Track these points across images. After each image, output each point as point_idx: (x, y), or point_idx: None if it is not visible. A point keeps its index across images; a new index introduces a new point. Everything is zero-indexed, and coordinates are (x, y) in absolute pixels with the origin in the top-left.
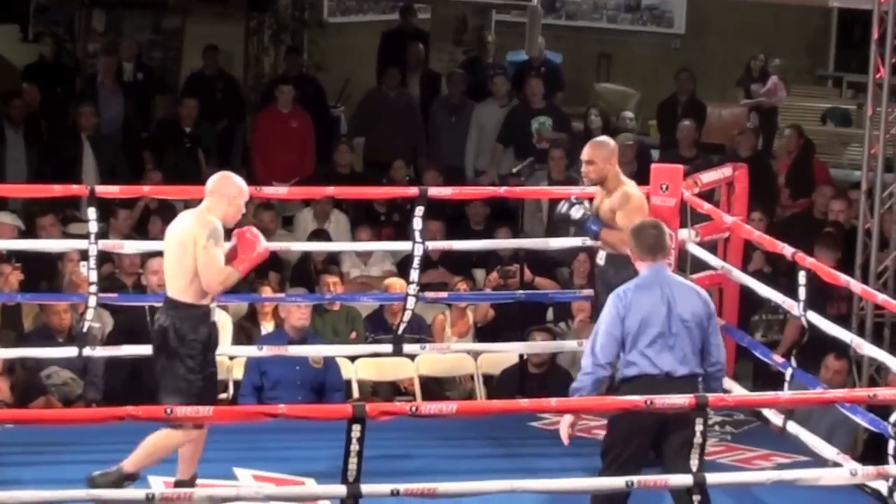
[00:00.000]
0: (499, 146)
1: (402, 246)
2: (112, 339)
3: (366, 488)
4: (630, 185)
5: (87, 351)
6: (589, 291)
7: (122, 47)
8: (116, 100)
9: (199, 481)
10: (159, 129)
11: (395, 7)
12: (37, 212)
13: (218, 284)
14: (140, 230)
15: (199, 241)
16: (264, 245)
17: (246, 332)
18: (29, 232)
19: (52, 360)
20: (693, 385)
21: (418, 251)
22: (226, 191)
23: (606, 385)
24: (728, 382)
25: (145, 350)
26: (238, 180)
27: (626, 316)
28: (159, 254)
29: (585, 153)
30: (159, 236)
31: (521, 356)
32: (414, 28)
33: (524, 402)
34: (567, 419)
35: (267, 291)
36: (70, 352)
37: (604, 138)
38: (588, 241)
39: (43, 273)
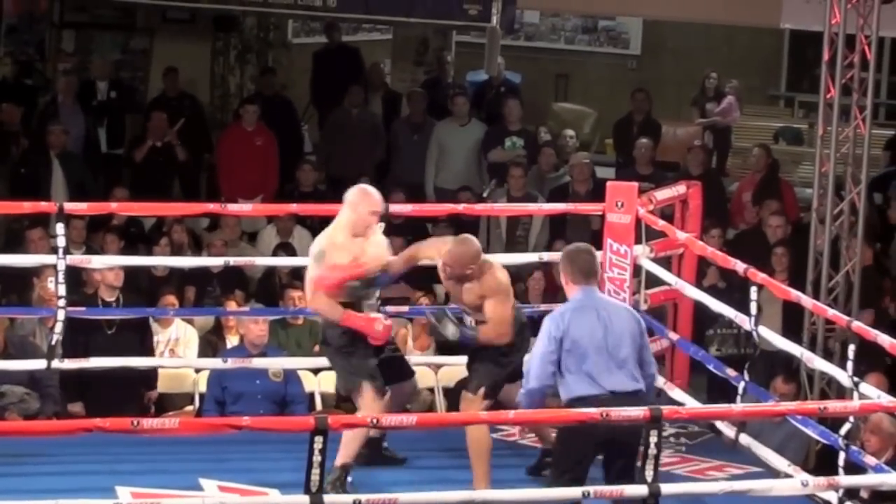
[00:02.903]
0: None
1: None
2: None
3: (328, 499)
4: (495, 268)
5: (55, 363)
6: (549, 307)
7: (95, 67)
8: (77, 119)
9: (164, 492)
10: (130, 147)
11: (357, 28)
12: (25, 226)
13: (312, 303)
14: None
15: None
16: (378, 331)
17: (212, 345)
18: (7, 246)
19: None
20: (638, 401)
21: None
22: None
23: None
24: (682, 395)
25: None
26: (357, 193)
27: (564, 338)
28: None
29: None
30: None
31: None
32: (339, 44)
33: (483, 415)
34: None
35: (232, 306)
36: (39, 364)
37: (463, 243)
38: (545, 258)
39: (14, 287)
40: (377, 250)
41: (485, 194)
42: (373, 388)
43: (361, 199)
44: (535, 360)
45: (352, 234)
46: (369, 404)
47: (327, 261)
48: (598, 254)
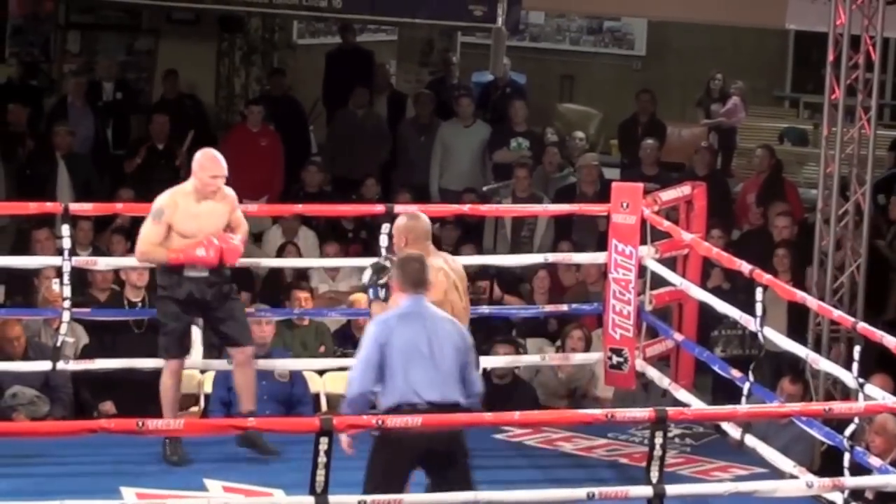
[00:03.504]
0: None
1: (368, 263)
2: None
3: (333, 499)
4: (435, 264)
5: (60, 365)
6: (554, 307)
7: (101, 67)
8: (87, 120)
9: (168, 492)
10: (132, 148)
11: (362, 29)
12: (32, 226)
13: (139, 253)
14: None
15: None
16: (210, 256)
17: (217, 347)
18: (16, 249)
19: (16, 378)
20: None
21: None
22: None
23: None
24: (687, 396)
25: (117, 364)
26: (199, 157)
27: (387, 343)
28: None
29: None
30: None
31: (483, 369)
32: (354, 46)
33: (488, 416)
34: (345, 438)
35: None
36: (44, 366)
37: (411, 217)
38: (549, 258)
39: (19, 289)
40: (215, 219)
41: (485, 187)
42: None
43: (202, 164)
44: (358, 366)
45: (196, 200)
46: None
47: (164, 219)
48: (441, 263)
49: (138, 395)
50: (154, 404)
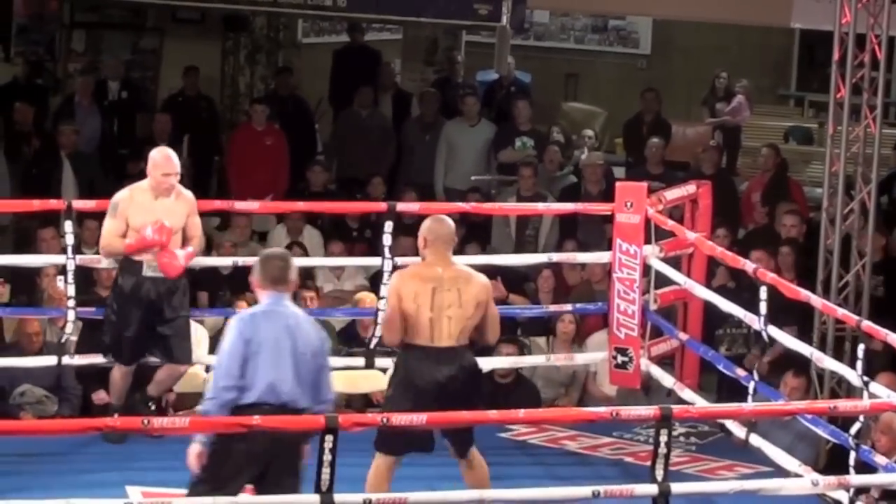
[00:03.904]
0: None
1: (371, 262)
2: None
3: (339, 498)
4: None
5: (65, 360)
6: (558, 307)
7: (107, 66)
8: (93, 119)
9: (174, 491)
10: (137, 148)
11: (367, 28)
12: (35, 226)
13: (101, 248)
14: None
15: None
16: (157, 238)
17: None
18: (18, 247)
19: (26, 376)
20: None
21: (388, 266)
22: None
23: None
24: (692, 395)
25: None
26: (153, 154)
27: (251, 340)
28: None
29: None
30: None
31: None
32: (361, 45)
33: (493, 414)
34: (195, 449)
35: (243, 307)
36: (49, 360)
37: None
38: (554, 258)
39: (23, 288)
40: (171, 217)
41: (473, 177)
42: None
43: (155, 162)
44: (223, 360)
45: (153, 196)
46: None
47: (119, 213)
48: (307, 260)
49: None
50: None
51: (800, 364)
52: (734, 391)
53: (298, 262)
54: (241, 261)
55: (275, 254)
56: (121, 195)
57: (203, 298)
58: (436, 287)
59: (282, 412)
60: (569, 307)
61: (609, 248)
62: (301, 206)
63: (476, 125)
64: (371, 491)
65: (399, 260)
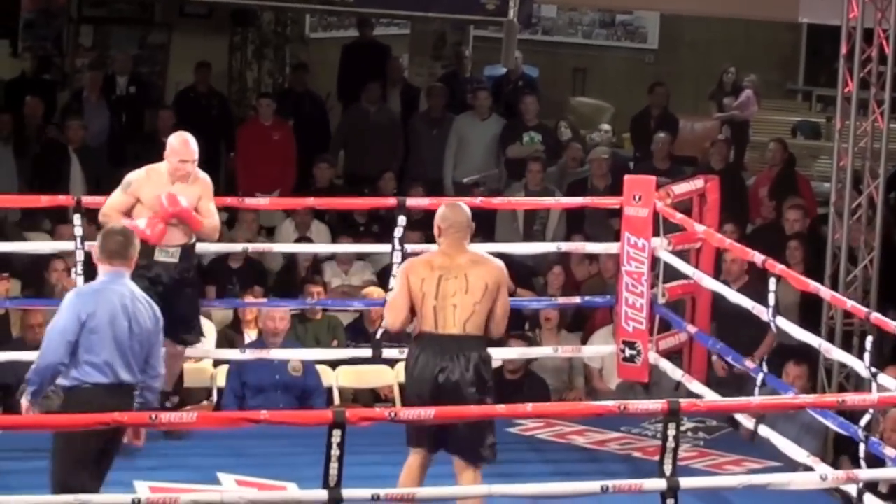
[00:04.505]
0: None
1: (381, 249)
2: None
3: (346, 493)
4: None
5: None
6: (567, 299)
7: (115, 61)
8: (102, 114)
9: (182, 486)
10: (143, 143)
11: (375, 23)
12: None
13: (101, 215)
14: None
15: None
16: (147, 232)
17: (229, 340)
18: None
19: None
20: (132, 395)
21: (397, 259)
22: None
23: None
24: (701, 388)
25: None
26: (171, 139)
27: (87, 318)
28: None
29: None
30: None
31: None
32: (370, 40)
33: (501, 408)
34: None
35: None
36: None
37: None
38: (563, 248)
39: (32, 282)
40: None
41: (465, 180)
42: None
43: (172, 148)
44: (54, 335)
45: (169, 181)
46: None
47: (131, 191)
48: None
49: None
50: None
51: (800, 353)
52: (737, 385)
53: (306, 248)
54: (251, 247)
55: (115, 228)
56: (136, 173)
57: (211, 293)
58: (443, 275)
59: (118, 390)
60: (577, 300)
61: (615, 242)
62: (311, 202)
63: (487, 120)
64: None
65: (408, 248)
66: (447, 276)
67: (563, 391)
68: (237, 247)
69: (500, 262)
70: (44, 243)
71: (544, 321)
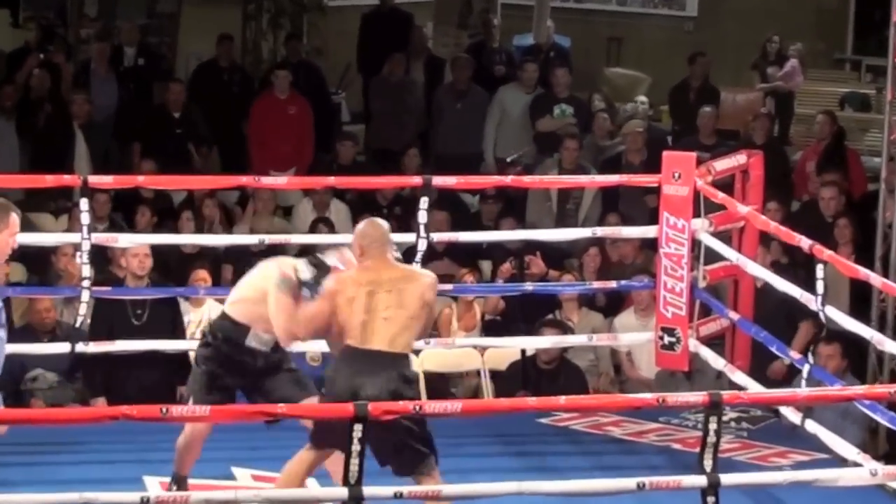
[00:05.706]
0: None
1: (405, 239)
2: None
3: (368, 490)
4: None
5: (79, 347)
6: (602, 284)
7: (123, 31)
8: (110, 87)
9: (197, 481)
10: (150, 117)
11: None
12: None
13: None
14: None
15: None
16: None
17: None
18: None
19: (39, 360)
20: None
21: (422, 245)
22: None
23: None
24: (743, 378)
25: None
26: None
27: None
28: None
29: None
30: (146, 228)
31: (522, 351)
32: (391, 7)
33: (531, 401)
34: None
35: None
36: (62, 347)
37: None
38: (598, 233)
39: (37, 268)
40: None
41: (509, 159)
42: None
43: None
44: None
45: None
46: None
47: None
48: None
49: (135, 391)
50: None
51: (829, 332)
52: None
53: (324, 239)
54: (268, 238)
55: None
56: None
57: (228, 273)
58: (373, 290)
59: None
60: (613, 284)
61: (651, 220)
62: (332, 181)
63: (532, 93)
64: (285, 478)
65: (433, 237)
66: (377, 291)
67: (590, 371)
68: (252, 239)
69: (431, 275)
70: (49, 235)
71: (565, 299)
